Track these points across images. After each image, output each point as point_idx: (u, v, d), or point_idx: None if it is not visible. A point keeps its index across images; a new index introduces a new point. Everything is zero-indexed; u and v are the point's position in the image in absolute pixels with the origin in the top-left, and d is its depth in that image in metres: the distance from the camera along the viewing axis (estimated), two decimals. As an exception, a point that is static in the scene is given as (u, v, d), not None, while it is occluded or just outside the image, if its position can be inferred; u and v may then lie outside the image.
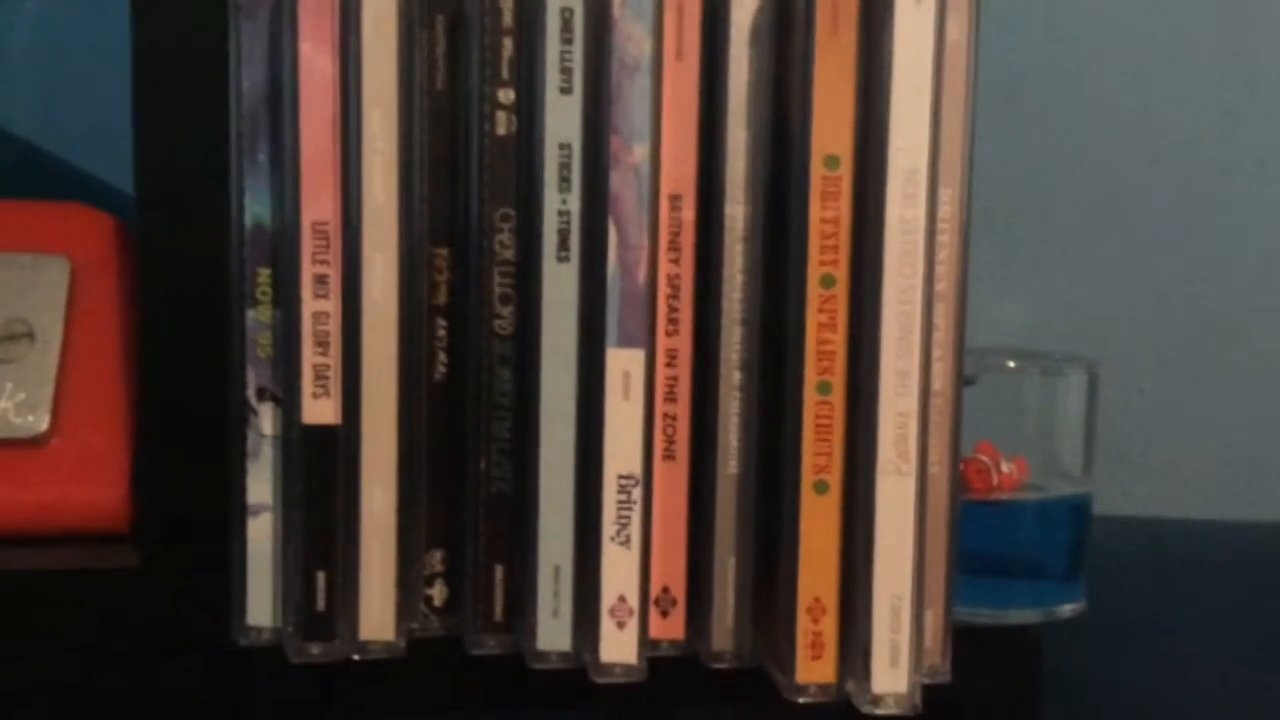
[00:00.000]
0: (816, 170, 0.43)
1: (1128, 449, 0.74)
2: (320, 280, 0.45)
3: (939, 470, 0.45)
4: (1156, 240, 0.76)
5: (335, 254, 0.45)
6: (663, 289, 0.46)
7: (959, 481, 0.46)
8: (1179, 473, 0.76)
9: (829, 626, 0.44)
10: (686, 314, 0.46)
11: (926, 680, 0.45)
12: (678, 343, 0.46)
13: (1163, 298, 0.76)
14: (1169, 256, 0.76)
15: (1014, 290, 0.75)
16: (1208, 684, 0.52)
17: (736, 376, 0.46)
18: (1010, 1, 0.69)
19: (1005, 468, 0.53)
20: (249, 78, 0.46)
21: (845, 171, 0.43)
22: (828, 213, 0.43)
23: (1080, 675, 0.52)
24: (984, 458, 0.53)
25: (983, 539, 0.52)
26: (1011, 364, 0.53)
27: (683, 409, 0.46)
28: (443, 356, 0.47)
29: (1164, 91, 0.75)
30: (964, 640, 0.47)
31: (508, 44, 0.46)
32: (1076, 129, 0.75)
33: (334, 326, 0.45)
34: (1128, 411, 0.74)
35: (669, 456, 0.46)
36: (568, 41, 0.45)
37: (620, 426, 0.45)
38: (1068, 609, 0.54)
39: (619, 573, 0.45)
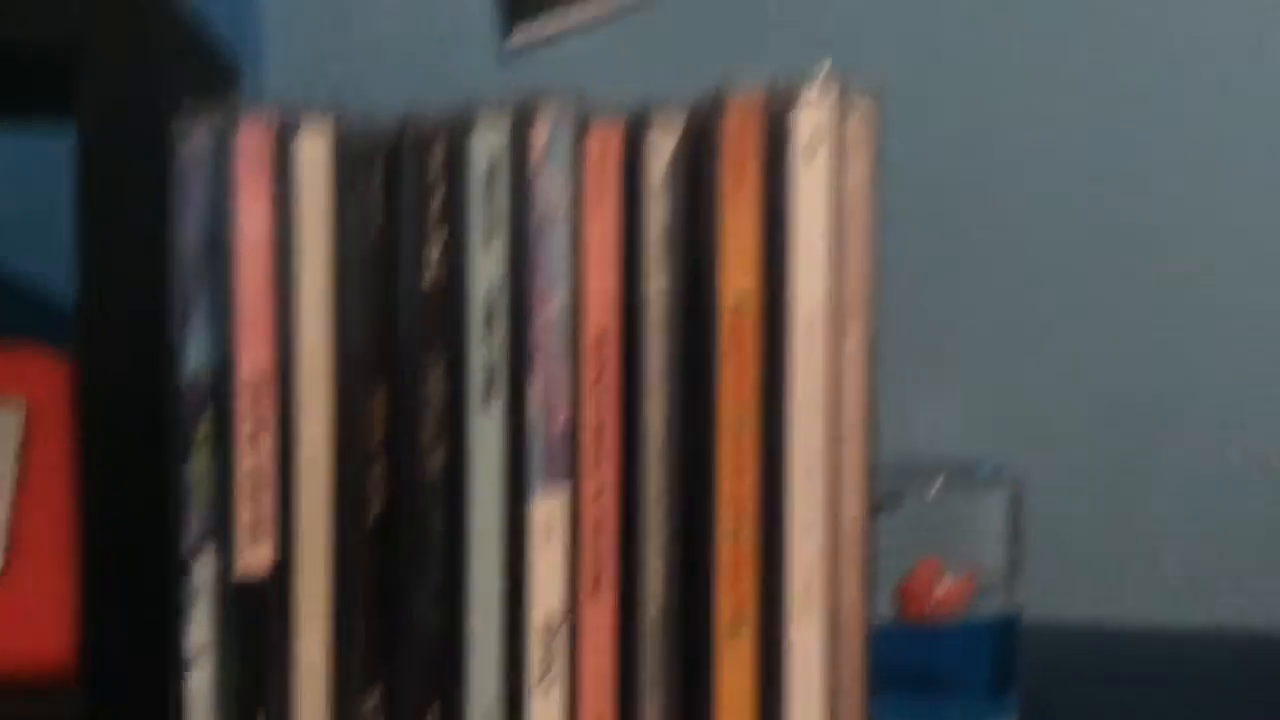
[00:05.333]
0: (724, 313, 0.44)
1: (1062, 556, 0.73)
2: (256, 427, 0.46)
3: (852, 605, 0.45)
4: (1087, 346, 0.76)
5: (271, 402, 0.46)
6: (587, 428, 0.46)
7: (873, 613, 0.46)
8: (1114, 580, 0.75)
9: (753, 765, 0.44)
10: (611, 453, 0.47)
11: (856, 814, 0.45)
12: (602, 481, 0.47)
13: (1095, 401, 0.76)
14: (1099, 362, 0.76)
15: (941, 398, 0.75)
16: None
17: (659, 515, 0.47)
18: (929, 107, 0.69)
19: (945, 586, 0.53)
20: (190, 228, 0.47)
21: (749, 315, 0.44)
22: (736, 354, 0.44)
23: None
24: (923, 575, 0.53)
25: (907, 659, 0.52)
26: (935, 483, 0.54)
27: (608, 547, 0.47)
28: (377, 500, 0.48)
29: (1088, 197, 0.75)
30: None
31: (437, 194, 0.47)
32: (998, 235, 0.75)
33: (268, 475, 0.46)
34: (1061, 518, 0.74)
35: (595, 597, 0.47)
36: (491, 189, 0.46)
37: (544, 568, 0.45)
38: (998, 726, 0.54)
39: (547, 716, 0.45)
